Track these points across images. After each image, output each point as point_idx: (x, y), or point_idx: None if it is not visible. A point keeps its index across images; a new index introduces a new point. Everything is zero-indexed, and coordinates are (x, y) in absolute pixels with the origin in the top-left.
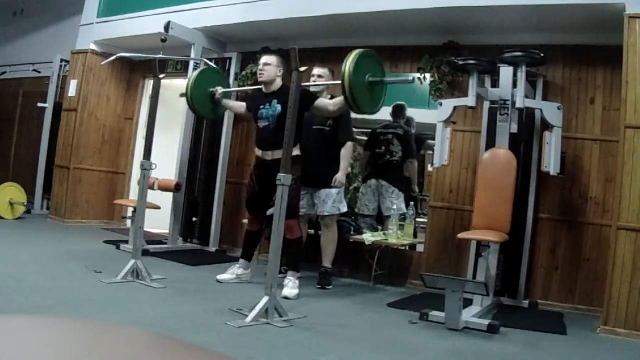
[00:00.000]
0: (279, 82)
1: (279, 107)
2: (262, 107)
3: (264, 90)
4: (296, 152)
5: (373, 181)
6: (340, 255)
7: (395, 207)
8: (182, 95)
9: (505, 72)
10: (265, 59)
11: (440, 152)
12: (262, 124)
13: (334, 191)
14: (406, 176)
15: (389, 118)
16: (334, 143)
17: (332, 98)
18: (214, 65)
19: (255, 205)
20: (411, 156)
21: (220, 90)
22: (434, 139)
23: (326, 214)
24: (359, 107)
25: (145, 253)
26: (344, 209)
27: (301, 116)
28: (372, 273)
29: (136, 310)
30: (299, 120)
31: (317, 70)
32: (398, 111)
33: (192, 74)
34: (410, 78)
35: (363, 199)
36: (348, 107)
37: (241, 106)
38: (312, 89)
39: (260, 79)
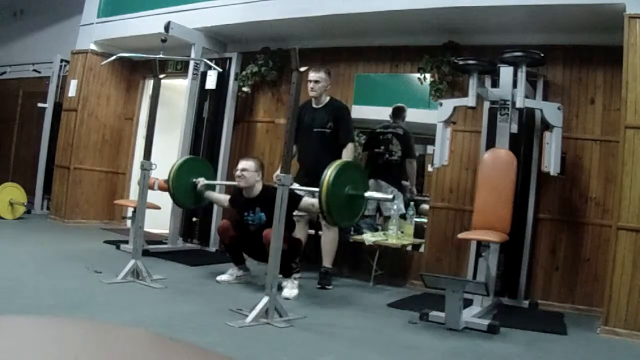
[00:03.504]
0: (258, 187)
1: (262, 216)
2: (246, 214)
3: (244, 194)
4: (297, 234)
5: (372, 181)
6: (340, 255)
7: (395, 207)
8: (165, 182)
9: (505, 72)
10: (242, 164)
11: (440, 152)
12: (251, 228)
13: None
14: (405, 177)
15: (389, 117)
16: (335, 144)
17: (330, 99)
18: (216, 66)
19: (241, 227)
20: (410, 156)
21: (202, 181)
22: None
23: None
24: (334, 219)
25: (145, 253)
26: None
27: (290, 212)
28: (372, 273)
29: (136, 310)
30: (289, 210)
31: (312, 75)
32: (397, 112)
33: (175, 162)
34: (391, 196)
35: None
36: (323, 218)
37: (225, 200)
38: (310, 94)
39: (238, 184)
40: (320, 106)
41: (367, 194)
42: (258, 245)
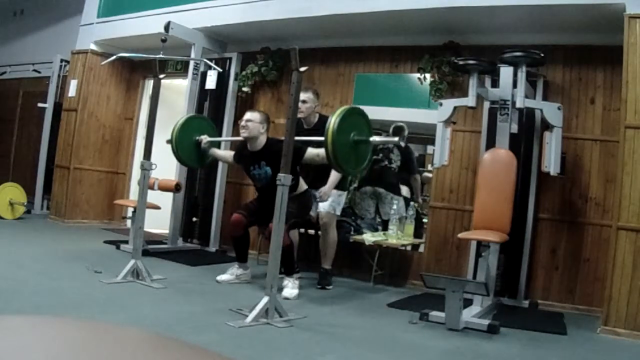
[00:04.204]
0: (262, 139)
1: (268, 170)
2: (252, 168)
3: (248, 147)
4: (304, 187)
5: (368, 188)
6: (340, 255)
7: (395, 207)
8: (168, 142)
9: (505, 72)
10: (248, 115)
11: (440, 152)
12: (259, 184)
13: (334, 191)
14: (403, 184)
15: (391, 116)
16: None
17: (319, 120)
18: (216, 66)
19: (252, 212)
20: (414, 171)
21: (206, 138)
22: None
23: (323, 210)
24: (341, 167)
25: (145, 253)
26: (338, 212)
27: (295, 165)
28: (372, 273)
29: (136, 310)
30: (294, 163)
31: (300, 96)
32: (397, 132)
33: (178, 120)
34: (396, 139)
35: (362, 204)
36: (330, 166)
37: (229, 156)
38: (298, 115)
39: (242, 135)
40: (311, 127)
41: (372, 138)
42: (269, 205)
